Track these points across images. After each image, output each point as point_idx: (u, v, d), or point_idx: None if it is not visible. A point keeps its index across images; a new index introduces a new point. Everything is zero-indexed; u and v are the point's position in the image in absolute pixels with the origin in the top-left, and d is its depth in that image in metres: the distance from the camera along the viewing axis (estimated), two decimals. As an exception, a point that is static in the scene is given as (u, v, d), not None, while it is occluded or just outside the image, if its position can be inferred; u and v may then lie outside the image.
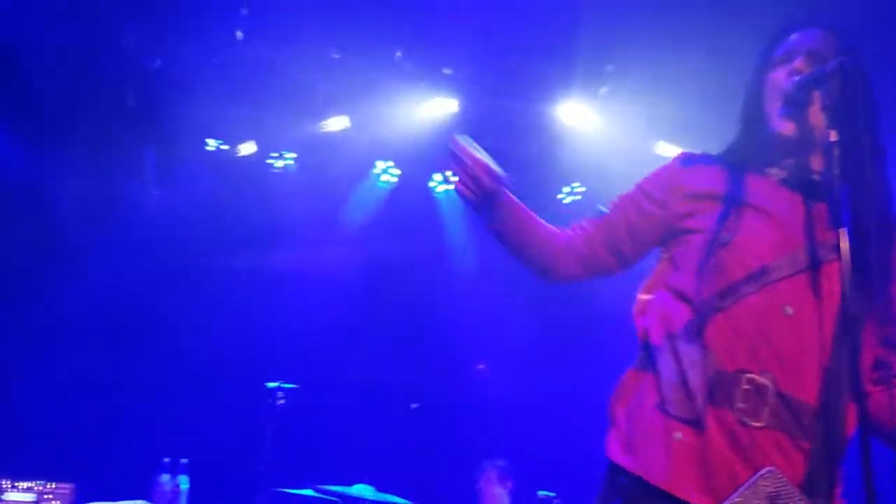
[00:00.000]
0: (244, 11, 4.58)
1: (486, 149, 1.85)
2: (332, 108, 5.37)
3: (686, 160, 1.85)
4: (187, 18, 4.67)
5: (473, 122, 5.14)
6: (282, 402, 4.69)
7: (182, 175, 5.85)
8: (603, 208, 1.90)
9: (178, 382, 5.41)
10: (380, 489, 4.47)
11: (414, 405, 5.85)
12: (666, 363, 1.65)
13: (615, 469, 1.70)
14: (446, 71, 5.12)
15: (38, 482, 4.85)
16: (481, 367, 6.33)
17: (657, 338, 1.69)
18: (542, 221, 1.89)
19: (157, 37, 4.85)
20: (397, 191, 5.87)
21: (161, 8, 4.77)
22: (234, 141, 5.85)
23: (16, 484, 4.83)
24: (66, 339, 5.50)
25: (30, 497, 4.83)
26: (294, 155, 5.77)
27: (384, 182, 5.93)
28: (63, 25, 4.70)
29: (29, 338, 5.49)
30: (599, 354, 4.37)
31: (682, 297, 1.70)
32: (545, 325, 5.90)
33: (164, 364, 5.46)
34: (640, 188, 1.86)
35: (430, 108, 5.29)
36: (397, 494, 4.49)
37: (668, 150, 5.08)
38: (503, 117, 5.20)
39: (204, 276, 5.84)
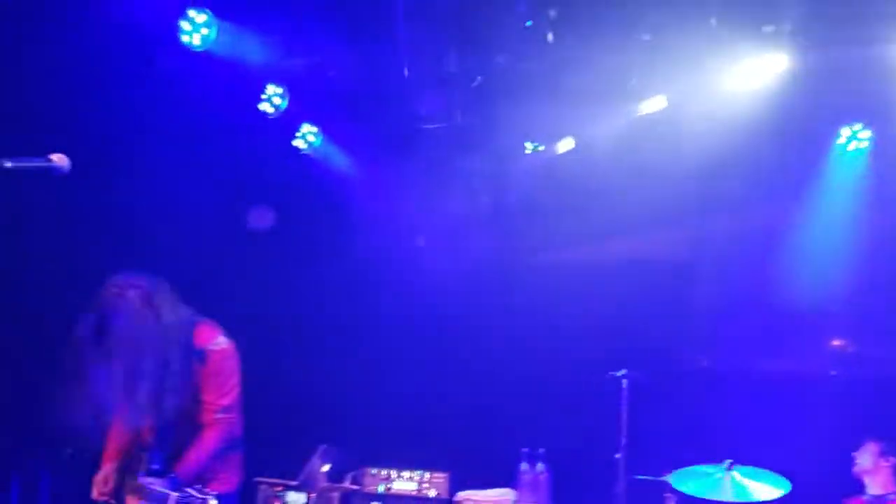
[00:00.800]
0: (552, 13, 4.69)
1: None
2: (647, 90, 5.29)
3: None
4: (500, 31, 4.91)
5: (810, 74, 4.79)
6: (630, 389, 4.72)
7: (505, 181, 6.14)
8: None
9: (532, 375, 5.65)
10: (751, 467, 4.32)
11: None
12: None
13: None
14: (767, 28, 4.78)
15: (418, 472, 5.40)
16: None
17: None
18: None
19: (474, 54, 5.16)
20: (721, 162, 5.57)
21: (472, 27, 5.07)
22: (552, 140, 6.01)
23: (401, 473, 5.42)
24: (434, 342, 6.00)
25: (412, 486, 5.40)
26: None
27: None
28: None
29: (406, 339, 6.05)
30: None
31: None
32: None
33: (518, 360, 5.73)
34: None
35: (755, 70, 4.98)
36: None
37: None
38: (843, 63, 4.74)
39: (538, 272, 6.06)
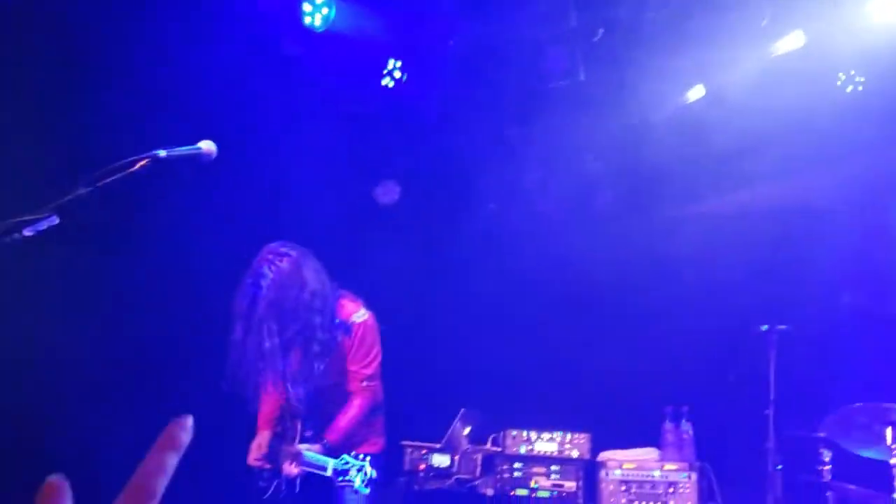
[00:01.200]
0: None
1: None
2: (782, 28, 5.00)
3: None
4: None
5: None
6: (777, 341, 4.54)
7: (634, 136, 5.96)
8: None
9: (674, 331, 5.51)
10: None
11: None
12: None
13: None
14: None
15: (559, 433, 5.42)
16: None
17: None
18: None
19: (594, 7, 5.04)
20: (864, 103, 5.20)
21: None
22: (681, 90, 5.79)
23: (541, 435, 5.45)
24: (572, 303, 5.97)
25: (553, 447, 5.42)
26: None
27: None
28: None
29: (544, 301, 6.05)
30: None
31: None
32: None
33: (659, 316, 5.60)
34: None
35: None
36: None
37: None
38: None
39: (675, 227, 5.88)
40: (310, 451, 3.54)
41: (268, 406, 3.84)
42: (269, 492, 3.61)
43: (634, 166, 5.91)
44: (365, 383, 3.66)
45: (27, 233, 2.08)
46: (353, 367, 3.66)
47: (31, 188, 2.74)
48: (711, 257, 5.46)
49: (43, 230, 2.09)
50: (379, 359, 3.74)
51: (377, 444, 3.78)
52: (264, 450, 3.71)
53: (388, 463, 3.98)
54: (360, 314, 3.69)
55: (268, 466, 3.66)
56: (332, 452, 3.53)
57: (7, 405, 4.14)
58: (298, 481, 3.57)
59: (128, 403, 4.77)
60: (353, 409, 3.64)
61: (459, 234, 6.23)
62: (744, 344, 4.64)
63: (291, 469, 3.52)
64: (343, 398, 3.69)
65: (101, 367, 4.71)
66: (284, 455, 3.59)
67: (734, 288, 5.35)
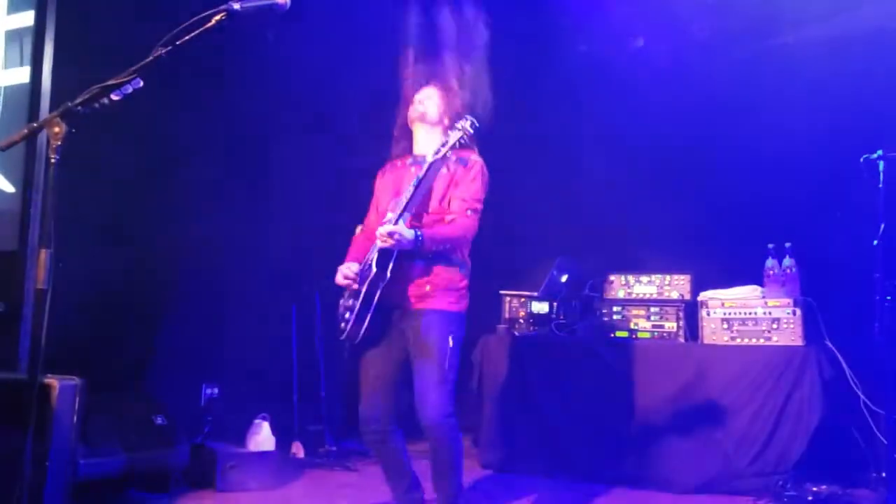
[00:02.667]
0: None
1: None
2: None
3: None
4: None
5: None
6: (887, 171, 4.29)
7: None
8: None
9: (774, 164, 5.29)
10: None
11: None
12: None
13: None
14: None
15: (658, 275, 5.41)
16: None
17: None
18: None
19: None
20: None
21: None
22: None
23: (640, 278, 5.46)
24: (664, 143, 5.79)
25: (652, 289, 5.43)
26: None
27: None
28: None
29: (637, 148, 5.90)
30: None
31: None
32: None
33: (758, 148, 5.37)
34: None
35: None
36: None
37: None
38: None
39: (771, 55, 5.52)
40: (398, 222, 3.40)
41: (360, 241, 3.79)
42: (355, 310, 3.47)
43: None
44: (469, 212, 3.58)
45: (114, 97, 2.15)
46: (461, 195, 3.58)
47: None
48: (814, 86, 5.12)
49: (129, 93, 2.15)
50: (483, 201, 3.66)
51: (459, 304, 3.60)
52: (353, 271, 3.59)
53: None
54: (476, 156, 3.65)
55: (354, 286, 3.55)
56: (418, 240, 3.40)
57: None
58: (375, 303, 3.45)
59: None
60: (453, 225, 3.55)
61: (548, 79, 6.06)
62: (849, 174, 4.39)
63: (386, 240, 3.36)
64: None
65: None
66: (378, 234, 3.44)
67: (839, 114, 5.03)
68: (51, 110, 3.82)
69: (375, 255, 3.48)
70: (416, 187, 3.47)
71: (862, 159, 4.32)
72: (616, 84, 5.84)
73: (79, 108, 2.18)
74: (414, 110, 3.78)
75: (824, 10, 5.26)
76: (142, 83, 2.19)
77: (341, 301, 3.66)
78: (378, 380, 3.60)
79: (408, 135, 3.86)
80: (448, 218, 3.59)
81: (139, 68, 2.17)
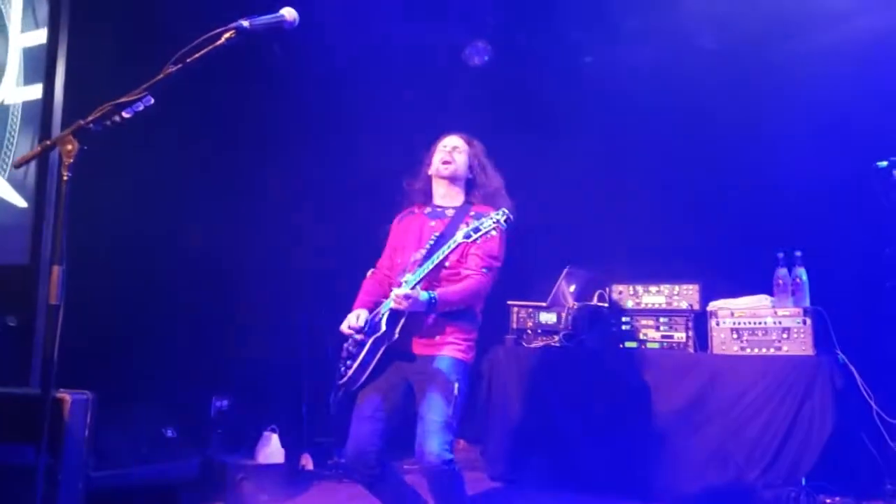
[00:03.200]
0: None
1: None
2: None
3: None
4: None
5: None
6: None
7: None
8: None
9: (784, 169, 5.25)
10: None
11: None
12: None
13: None
14: None
15: (667, 285, 5.40)
16: None
17: None
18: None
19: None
20: None
21: None
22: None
23: (648, 288, 5.45)
24: (674, 135, 5.74)
25: (661, 299, 5.42)
26: None
27: None
28: None
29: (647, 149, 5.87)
30: None
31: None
32: None
33: (767, 153, 5.35)
34: None
35: None
36: None
37: None
38: None
39: (789, 57, 5.50)
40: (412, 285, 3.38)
41: (371, 285, 3.76)
42: (357, 358, 3.46)
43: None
44: (485, 270, 3.54)
45: (126, 114, 2.17)
46: (478, 252, 3.53)
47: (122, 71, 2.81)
48: (824, 93, 5.10)
49: (140, 111, 2.17)
50: (502, 259, 3.62)
51: (467, 354, 3.55)
52: (362, 321, 3.53)
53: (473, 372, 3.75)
54: (499, 212, 3.43)
55: (360, 337, 3.50)
56: (431, 302, 3.36)
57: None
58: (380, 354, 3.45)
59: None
60: (467, 284, 3.51)
61: (556, 90, 6.07)
62: (860, 182, 4.37)
63: (402, 303, 3.31)
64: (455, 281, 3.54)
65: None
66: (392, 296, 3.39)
67: (848, 123, 5.01)
68: (62, 127, 3.84)
69: (387, 314, 3.45)
70: (434, 263, 3.41)
71: (873, 167, 4.32)
72: (624, 94, 5.83)
73: (91, 125, 2.20)
74: (445, 168, 3.72)
75: (833, 15, 5.25)
76: (153, 101, 2.21)
77: (345, 345, 3.60)
78: (379, 422, 3.47)
79: (426, 180, 3.83)
80: (464, 272, 3.56)
81: (150, 86, 2.19)
